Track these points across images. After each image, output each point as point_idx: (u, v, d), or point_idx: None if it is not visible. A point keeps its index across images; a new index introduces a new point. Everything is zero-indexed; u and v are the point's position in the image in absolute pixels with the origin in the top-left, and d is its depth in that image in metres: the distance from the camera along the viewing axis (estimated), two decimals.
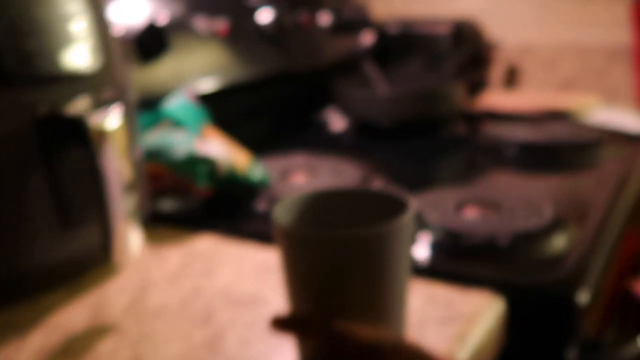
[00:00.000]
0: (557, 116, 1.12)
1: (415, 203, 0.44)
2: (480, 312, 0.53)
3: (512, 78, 1.32)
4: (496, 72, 1.34)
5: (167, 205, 0.75)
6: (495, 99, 1.23)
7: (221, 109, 0.87)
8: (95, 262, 0.58)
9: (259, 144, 0.94)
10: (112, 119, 0.50)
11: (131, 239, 0.55)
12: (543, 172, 0.88)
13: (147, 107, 0.78)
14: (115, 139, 0.49)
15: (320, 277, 0.41)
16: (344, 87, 1.08)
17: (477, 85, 1.23)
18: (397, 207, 0.44)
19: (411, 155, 0.96)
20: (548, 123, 1.05)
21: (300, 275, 0.42)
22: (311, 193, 0.47)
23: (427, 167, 0.92)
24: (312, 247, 0.40)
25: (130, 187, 0.51)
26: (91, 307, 0.56)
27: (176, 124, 0.75)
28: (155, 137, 0.73)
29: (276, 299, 0.57)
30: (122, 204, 0.51)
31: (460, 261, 0.61)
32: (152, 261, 0.64)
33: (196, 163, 0.70)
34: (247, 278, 0.61)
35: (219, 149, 0.72)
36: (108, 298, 0.58)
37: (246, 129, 0.98)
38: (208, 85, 0.88)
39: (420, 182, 0.85)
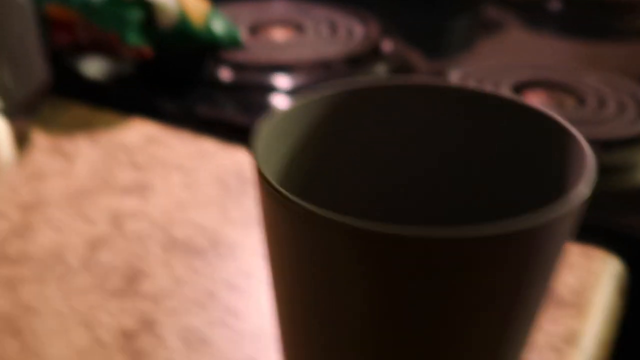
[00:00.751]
0: None
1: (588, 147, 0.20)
2: (593, 283, 0.32)
3: None
4: None
5: (83, 71, 0.50)
6: None
7: None
8: None
9: None
10: None
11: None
12: (599, 38, 0.65)
13: None
14: None
15: (402, 319, 0.17)
16: None
17: None
18: (541, 143, 0.21)
19: (423, 6, 0.72)
20: None
21: (347, 314, 0.18)
22: (333, 92, 0.23)
23: (446, 25, 0.69)
24: (390, 263, 0.16)
25: None
26: None
27: None
28: None
29: (252, 242, 0.35)
30: None
31: None
32: (49, 164, 0.41)
33: (123, 7, 0.45)
34: (203, 199, 0.38)
35: None
36: None
37: None
38: None
39: (443, 46, 0.61)
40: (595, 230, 0.36)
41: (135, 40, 0.46)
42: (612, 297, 0.32)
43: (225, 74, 0.50)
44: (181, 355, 0.28)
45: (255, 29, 0.57)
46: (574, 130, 0.20)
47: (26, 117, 0.40)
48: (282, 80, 0.49)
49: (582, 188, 0.17)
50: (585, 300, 0.31)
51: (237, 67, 0.50)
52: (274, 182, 0.18)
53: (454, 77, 0.50)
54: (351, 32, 0.57)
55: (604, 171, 0.40)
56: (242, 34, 0.55)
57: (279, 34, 0.57)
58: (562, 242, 0.17)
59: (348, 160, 0.24)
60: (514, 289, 0.17)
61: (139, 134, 0.44)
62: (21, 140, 0.41)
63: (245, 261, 0.33)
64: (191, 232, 0.35)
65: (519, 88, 0.48)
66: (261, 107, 0.46)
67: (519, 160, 0.22)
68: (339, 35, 0.56)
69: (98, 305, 0.31)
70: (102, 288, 0.32)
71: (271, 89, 0.48)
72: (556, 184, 0.20)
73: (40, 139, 0.43)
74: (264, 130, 0.20)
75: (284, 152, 0.22)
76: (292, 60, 0.51)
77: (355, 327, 0.17)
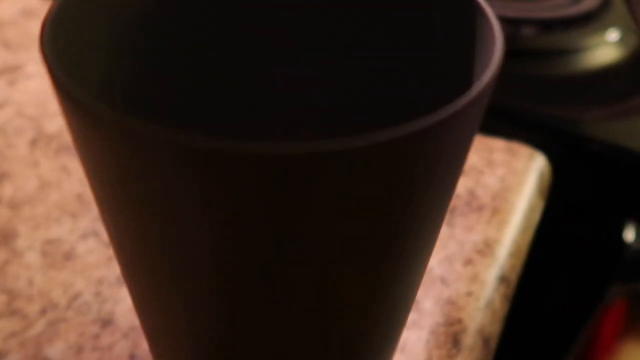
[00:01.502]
0: None
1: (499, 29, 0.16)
2: (515, 184, 0.29)
3: None
4: None
5: None
6: None
7: None
8: None
9: None
10: None
11: None
12: None
13: None
14: None
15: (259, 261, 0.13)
16: None
17: None
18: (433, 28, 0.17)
19: None
20: None
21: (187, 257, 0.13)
22: None
23: None
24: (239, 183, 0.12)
25: None
26: None
27: None
28: None
29: None
30: None
31: None
32: None
33: None
34: None
35: None
36: None
37: None
38: None
39: None
40: (518, 120, 0.32)
41: None
42: (533, 199, 0.30)
43: None
44: (39, 274, 0.24)
45: None
46: (484, 4, 0.16)
47: None
48: None
49: (476, 87, 0.13)
50: (506, 204, 0.28)
51: None
52: (60, 74, 0.13)
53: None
54: None
55: (539, 55, 0.37)
56: None
57: None
58: (461, 150, 0.14)
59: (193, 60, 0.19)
60: (380, 212, 0.13)
61: (14, 7, 0.38)
62: None
63: None
64: None
65: None
66: None
67: (425, 45, 0.18)
68: None
69: None
70: None
71: None
72: (465, 74, 0.16)
73: None
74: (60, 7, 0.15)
75: (105, 42, 0.17)
76: None
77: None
